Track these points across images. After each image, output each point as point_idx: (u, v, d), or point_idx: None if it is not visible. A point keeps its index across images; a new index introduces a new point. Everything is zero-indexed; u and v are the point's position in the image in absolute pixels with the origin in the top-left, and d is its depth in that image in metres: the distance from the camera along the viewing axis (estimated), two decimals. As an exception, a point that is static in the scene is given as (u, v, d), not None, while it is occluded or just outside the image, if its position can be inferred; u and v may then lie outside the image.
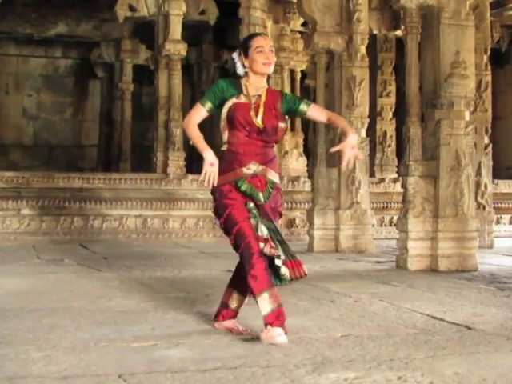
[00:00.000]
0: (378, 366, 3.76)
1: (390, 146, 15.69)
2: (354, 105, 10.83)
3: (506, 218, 14.48)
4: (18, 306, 5.56)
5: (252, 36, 4.84)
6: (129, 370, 3.63)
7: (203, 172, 4.48)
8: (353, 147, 4.60)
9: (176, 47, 14.06)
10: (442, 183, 8.58)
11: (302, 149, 15.64)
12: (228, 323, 4.71)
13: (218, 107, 4.68)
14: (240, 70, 4.70)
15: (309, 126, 17.50)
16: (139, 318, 5.13)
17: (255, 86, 4.68)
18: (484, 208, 11.58)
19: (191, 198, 12.93)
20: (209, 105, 4.69)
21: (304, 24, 14.41)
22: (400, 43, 12.60)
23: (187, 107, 17.94)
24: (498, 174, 14.67)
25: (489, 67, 11.98)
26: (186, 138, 15.68)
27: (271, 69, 4.70)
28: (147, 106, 18.14)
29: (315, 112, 4.81)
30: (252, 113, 4.58)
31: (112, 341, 4.33)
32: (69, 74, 18.70)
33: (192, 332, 4.62)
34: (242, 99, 4.63)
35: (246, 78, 4.70)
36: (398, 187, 11.99)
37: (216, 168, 4.49)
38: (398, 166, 14.23)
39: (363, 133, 10.93)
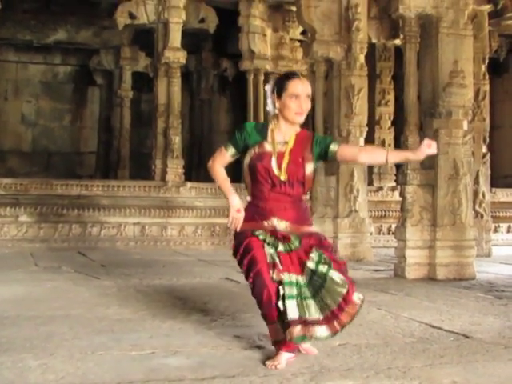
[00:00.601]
0: (375, 375, 3.77)
1: (388, 154, 15.68)
2: (352, 113, 10.85)
3: (503, 226, 14.49)
4: (15, 314, 5.55)
5: (289, 77, 4.31)
6: (126, 379, 3.63)
7: (229, 218, 4.27)
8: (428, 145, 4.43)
9: (175, 55, 14.07)
10: (439, 192, 8.59)
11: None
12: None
13: (242, 153, 4.36)
14: (270, 108, 4.36)
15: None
16: (137, 326, 5.12)
17: (283, 130, 4.31)
18: (482, 217, 11.59)
19: (190, 206, 12.93)
20: (232, 150, 4.38)
21: (303, 32, 14.46)
22: (399, 52, 12.61)
23: (186, 115, 18.05)
24: (496, 182, 14.68)
25: (487, 76, 12.02)
26: (184, 146, 15.76)
27: (303, 118, 4.31)
28: (146, 114, 18.14)
29: (346, 149, 4.52)
30: (274, 163, 4.24)
31: (110, 349, 4.32)
32: (68, 80, 18.69)
33: (190, 340, 4.62)
34: (266, 148, 4.27)
35: (275, 121, 4.33)
36: (397, 196, 12.00)
37: (242, 214, 4.26)
38: (396, 175, 14.25)
39: (361, 141, 10.93)
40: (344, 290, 4.05)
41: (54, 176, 15.64)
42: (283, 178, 4.24)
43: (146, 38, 15.40)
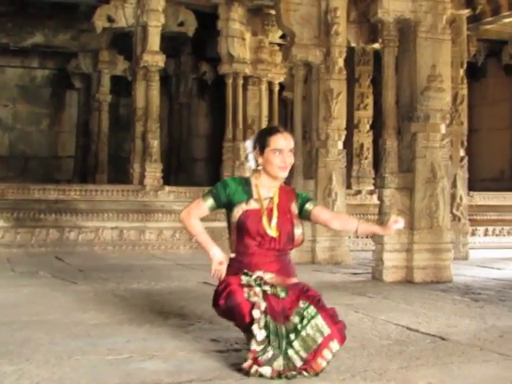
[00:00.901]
0: (352, 377, 3.77)
1: (366, 158, 15.75)
2: (331, 117, 10.86)
3: (480, 229, 14.54)
4: (-8, 319, 5.52)
5: (271, 132, 4.25)
6: (103, 383, 3.61)
7: (212, 271, 4.15)
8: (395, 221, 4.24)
9: (154, 58, 14.03)
10: (417, 195, 8.62)
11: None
12: None
13: (222, 207, 4.28)
14: (252, 164, 4.32)
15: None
16: (114, 330, 5.11)
17: (267, 186, 4.28)
18: (459, 220, 11.64)
19: (168, 210, 12.90)
20: (211, 202, 4.28)
21: (282, 36, 14.45)
22: (378, 56, 12.66)
23: (165, 118, 18.02)
24: (474, 186, 14.75)
25: (465, 81, 12.08)
26: (163, 150, 15.72)
27: (287, 173, 4.26)
28: (124, 118, 18.08)
29: (321, 210, 4.46)
30: (265, 221, 4.18)
31: (86, 354, 4.30)
32: (45, 84, 18.60)
33: (167, 344, 4.60)
34: (253, 205, 4.22)
35: (257, 176, 4.30)
36: (375, 199, 12.01)
37: (225, 266, 4.15)
38: (374, 178, 14.28)
39: (340, 145, 10.96)
40: (319, 340, 3.85)
41: (31, 180, 15.52)
42: (274, 235, 4.18)
43: (125, 42, 15.37)
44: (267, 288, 4.03)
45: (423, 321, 5.64)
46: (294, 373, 3.74)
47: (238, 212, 4.21)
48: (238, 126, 15.30)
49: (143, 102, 14.44)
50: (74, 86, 18.18)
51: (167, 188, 13.47)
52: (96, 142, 17.38)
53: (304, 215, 4.38)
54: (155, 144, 14.11)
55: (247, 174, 14.22)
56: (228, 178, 4.40)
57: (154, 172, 13.92)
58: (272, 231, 4.17)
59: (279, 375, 3.72)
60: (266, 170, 4.24)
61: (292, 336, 3.85)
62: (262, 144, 4.23)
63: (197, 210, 4.31)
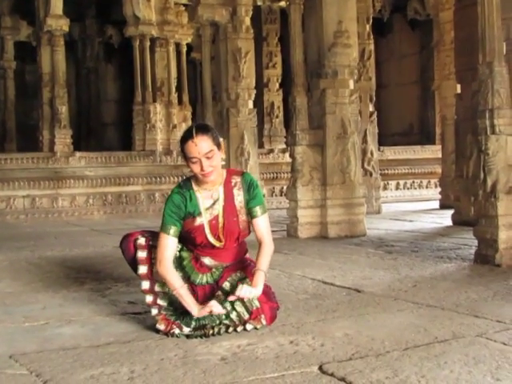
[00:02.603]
0: (270, 332, 3.81)
1: (277, 116, 15.85)
2: (240, 76, 10.86)
3: (392, 184, 14.80)
4: None
5: (183, 141, 3.98)
6: (20, 350, 3.58)
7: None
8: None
9: (58, 23, 13.79)
10: (328, 151, 8.70)
11: (190, 122, 15.61)
12: None
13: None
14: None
15: (197, 99, 17.47)
16: (29, 298, 5.05)
17: (208, 190, 4.06)
18: (371, 175, 11.79)
19: (80, 176, 12.74)
20: (173, 229, 3.98)
21: (188, -4, 14.33)
22: (284, 14, 12.67)
23: (73, 84, 17.76)
24: (384, 141, 14.99)
25: (371, 36, 12.19)
26: (72, 116, 15.51)
27: (213, 175, 3.98)
28: (31, 84, 17.75)
29: (260, 225, 4.11)
30: (209, 236, 4.03)
31: (2, 322, 4.25)
32: None
33: (84, 309, 4.58)
34: (198, 221, 4.02)
35: (196, 181, 4.06)
36: (287, 157, 12.07)
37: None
38: (286, 137, 14.37)
39: (250, 104, 10.97)
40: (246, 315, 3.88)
41: None
42: (219, 245, 4.05)
43: (27, 7, 15.05)
44: (197, 280, 4.08)
45: (338, 274, 5.73)
46: (213, 330, 3.78)
47: (185, 225, 4.02)
48: (148, 89, 15.19)
49: (49, 67, 14.21)
50: (-24, 54, 17.72)
51: (78, 154, 13.30)
52: (3, 110, 17.06)
53: (249, 213, 4.11)
54: (64, 110, 13.92)
55: (158, 136, 13.99)
56: (172, 195, 4.05)
57: (63, 138, 13.76)
58: (217, 243, 4.06)
59: (201, 334, 3.75)
60: (196, 176, 4.04)
61: (227, 305, 3.87)
62: (182, 153, 4.02)
63: (168, 251, 3.96)
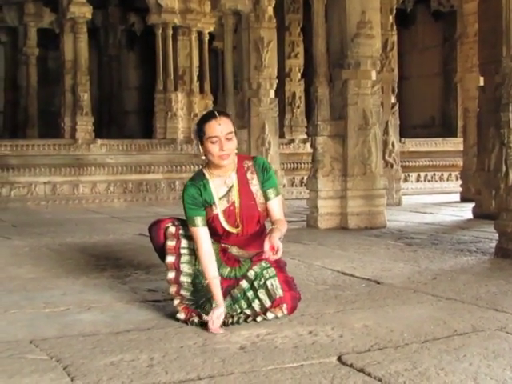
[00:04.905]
0: (289, 322, 3.82)
1: (299, 106, 15.82)
2: (262, 66, 10.83)
3: (413, 175, 14.77)
4: None
5: (205, 120, 3.99)
6: (40, 336, 3.60)
7: (210, 322, 3.75)
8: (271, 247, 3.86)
9: (81, 10, 13.83)
10: (350, 142, 8.68)
11: (211, 111, 15.58)
12: None
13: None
14: (199, 154, 4.05)
15: (218, 88, 17.47)
16: (50, 284, 5.08)
17: (222, 177, 4.03)
18: (392, 166, 11.76)
19: (101, 163, 12.79)
20: (199, 218, 3.94)
21: (211, -15, 14.30)
22: (307, 4, 12.63)
23: (95, 71, 17.80)
24: (405, 132, 14.93)
25: (394, 27, 12.12)
26: (93, 103, 15.55)
27: (229, 159, 3.99)
28: (53, 71, 17.80)
29: (274, 208, 4.08)
30: (224, 223, 4.00)
31: (22, 307, 4.28)
32: (-30, 38, 18.20)
33: (104, 296, 4.60)
34: (214, 211, 3.98)
35: (208, 169, 4.04)
36: (308, 148, 12.06)
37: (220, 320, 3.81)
38: (307, 127, 14.34)
39: (272, 94, 10.95)
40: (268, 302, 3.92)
41: (-40, 137, 15.27)
42: (238, 232, 4.03)
43: (51, -7, 15.09)
44: (225, 274, 4.03)
45: (358, 266, 5.72)
46: (232, 319, 3.80)
47: (206, 214, 3.99)
48: (169, 77, 15.21)
49: (72, 54, 14.27)
50: (-1, 40, 17.82)
51: (99, 141, 13.34)
52: (25, 96, 17.13)
53: (264, 196, 4.10)
54: (85, 97, 13.97)
55: (179, 125, 14.07)
56: (186, 188, 4.01)
57: (85, 125, 13.81)
58: (234, 229, 4.04)
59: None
60: (210, 159, 4.00)
61: (250, 294, 3.93)
62: (199, 133, 3.97)
63: (203, 242, 3.93)
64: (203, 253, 3.91)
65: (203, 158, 4.04)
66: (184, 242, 4.02)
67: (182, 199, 4.02)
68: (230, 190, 4.04)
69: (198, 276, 3.99)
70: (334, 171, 8.71)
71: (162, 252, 4.09)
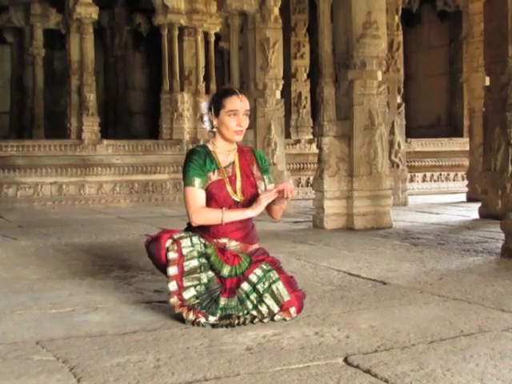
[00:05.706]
0: (295, 323, 3.82)
1: (304, 107, 15.82)
2: (268, 66, 10.83)
3: (419, 176, 14.76)
4: None
5: (226, 94, 4.14)
6: (47, 337, 3.60)
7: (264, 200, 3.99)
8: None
9: (87, 10, 13.84)
10: (355, 143, 8.67)
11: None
12: None
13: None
14: (207, 126, 4.18)
15: (224, 88, 17.44)
16: (56, 284, 5.08)
17: (224, 150, 4.17)
18: (398, 166, 11.75)
19: (107, 164, 12.79)
20: (198, 180, 4.05)
21: (217, -14, 14.31)
22: (313, 4, 12.62)
23: (101, 72, 17.82)
24: (411, 132, 14.91)
25: (400, 27, 12.11)
26: (99, 103, 15.57)
27: (242, 136, 4.15)
28: (59, 72, 17.83)
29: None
30: (229, 188, 4.09)
31: (29, 308, 4.28)
32: (-24, 39, 18.22)
33: (110, 297, 4.60)
34: (217, 176, 4.09)
35: (213, 141, 4.17)
36: (314, 148, 12.07)
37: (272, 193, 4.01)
38: (313, 127, 14.34)
39: (278, 94, 10.96)
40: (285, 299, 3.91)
41: (-33, 137, 15.30)
42: (240, 199, 4.10)
43: (57, -6, 15.10)
44: (225, 272, 3.98)
45: (364, 266, 5.72)
46: (238, 320, 3.79)
47: (206, 182, 4.09)
48: (175, 78, 15.22)
49: (78, 55, 14.28)
50: (6, 41, 17.83)
51: (105, 141, 13.36)
52: (31, 97, 17.15)
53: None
54: (91, 97, 13.98)
55: (185, 125, 14.10)
56: (190, 154, 4.13)
57: (91, 126, 13.82)
58: (237, 196, 4.10)
59: (227, 323, 3.77)
60: (222, 132, 4.12)
61: (253, 297, 3.91)
62: (217, 105, 4.10)
63: (196, 201, 4.06)
64: (197, 210, 4.05)
65: (214, 130, 4.16)
66: (186, 256, 3.95)
67: (184, 164, 4.13)
68: (230, 164, 4.18)
69: (202, 284, 3.94)
70: (340, 171, 8.70)
71: (163, 268, 4.02)
